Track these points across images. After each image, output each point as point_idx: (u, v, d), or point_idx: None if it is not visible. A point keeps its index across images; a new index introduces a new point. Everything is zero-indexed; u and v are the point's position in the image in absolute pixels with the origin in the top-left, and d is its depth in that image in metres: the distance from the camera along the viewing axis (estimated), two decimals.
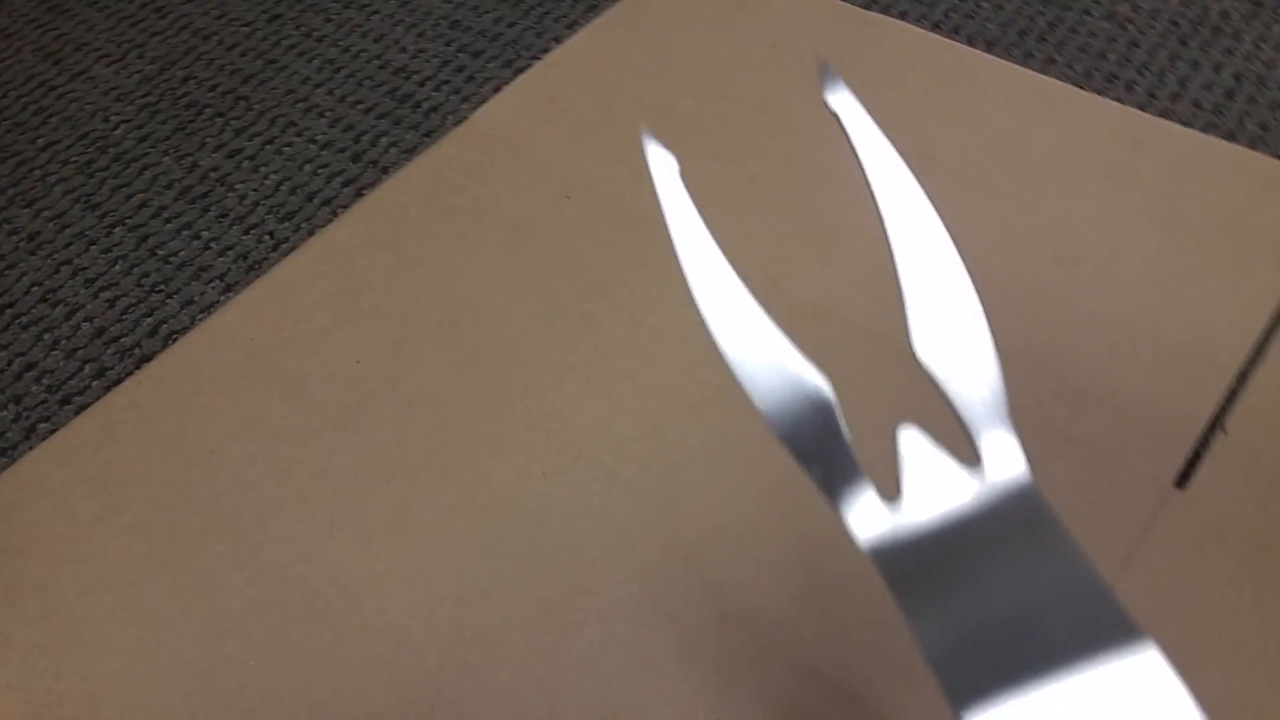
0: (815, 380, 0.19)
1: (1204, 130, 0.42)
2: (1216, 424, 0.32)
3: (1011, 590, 0.17)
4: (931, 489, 0.18)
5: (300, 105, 0.51)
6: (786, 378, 0.19)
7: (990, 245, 0.36)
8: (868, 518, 0.18)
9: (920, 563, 0.17)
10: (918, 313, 0.19)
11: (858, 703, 0.27)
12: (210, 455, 0.33)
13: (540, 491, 0.31)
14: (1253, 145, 0.49)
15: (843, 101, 0.21)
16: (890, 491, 0.17)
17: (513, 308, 0.36)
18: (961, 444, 0.18)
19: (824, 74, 0.22)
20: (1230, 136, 0.54)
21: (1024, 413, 0.29)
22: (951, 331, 0.19)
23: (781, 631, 0.28)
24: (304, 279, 0.38)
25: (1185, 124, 0.41)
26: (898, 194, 0.21)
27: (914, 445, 0.18)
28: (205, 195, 0.48)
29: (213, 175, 0.48)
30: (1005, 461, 0.18)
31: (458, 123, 0.43)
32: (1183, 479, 0.31)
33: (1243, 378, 0.32)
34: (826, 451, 0.18)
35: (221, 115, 0.52)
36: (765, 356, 0.19)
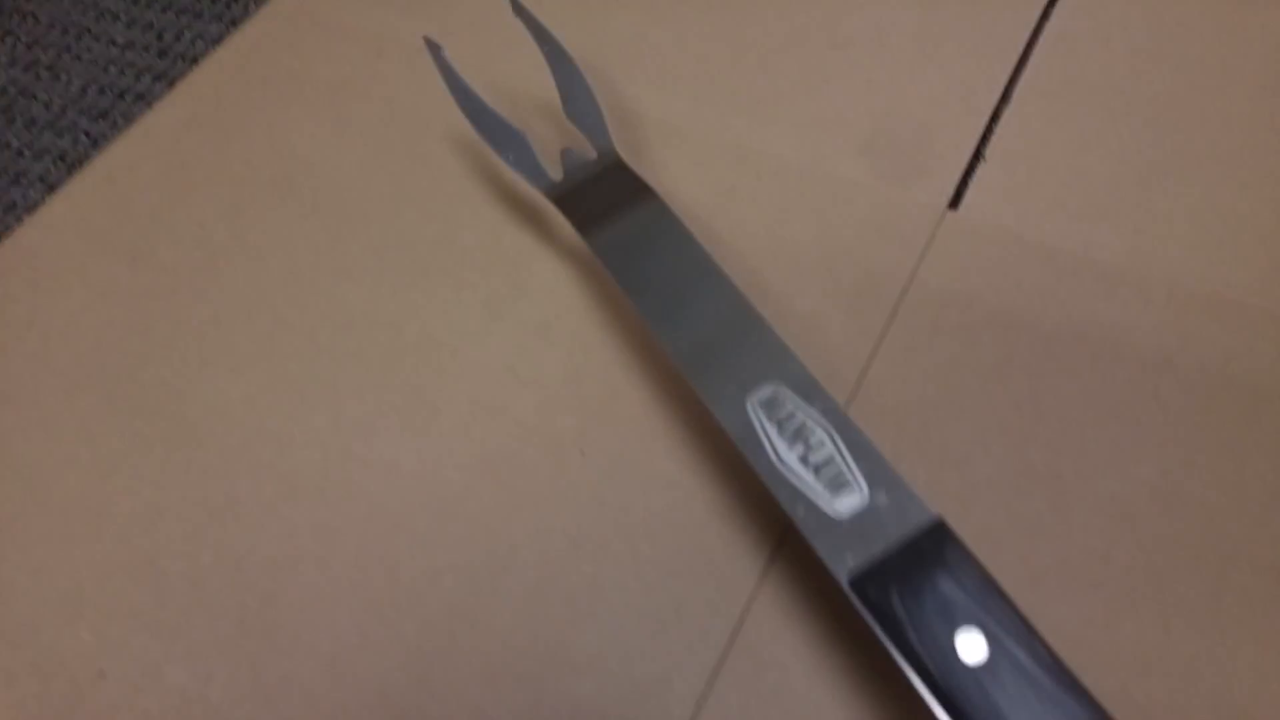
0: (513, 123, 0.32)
1: None
2: (978, 154, 0.36)
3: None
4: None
5: (91, 13, 0.50)
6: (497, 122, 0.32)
7: (779, 41, 0.40)
8: (544, 183, 0.31)
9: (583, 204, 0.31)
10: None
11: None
12: (66, 328, 0.34)
13: (393, 305, 0.34)
14: None
15: None
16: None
17: (343, 158, 0.38)
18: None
19: None
20: None
21: (811, 171, 0.33)
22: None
23: None
24: (131, 163, 0.39)
25: None
26: None
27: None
28: (7, 108, 0.47)
29: (11, 89, 0.48)
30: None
31: (260, 5, 0.44)
32: (955, 202, 0.35)
33: (995, 116, 0.37)
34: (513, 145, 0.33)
35: (11, 34, 0.51)
36: (490, 120, 0.33)
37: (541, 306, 0.33)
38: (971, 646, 0.22)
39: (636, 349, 0.32)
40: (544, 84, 0.34)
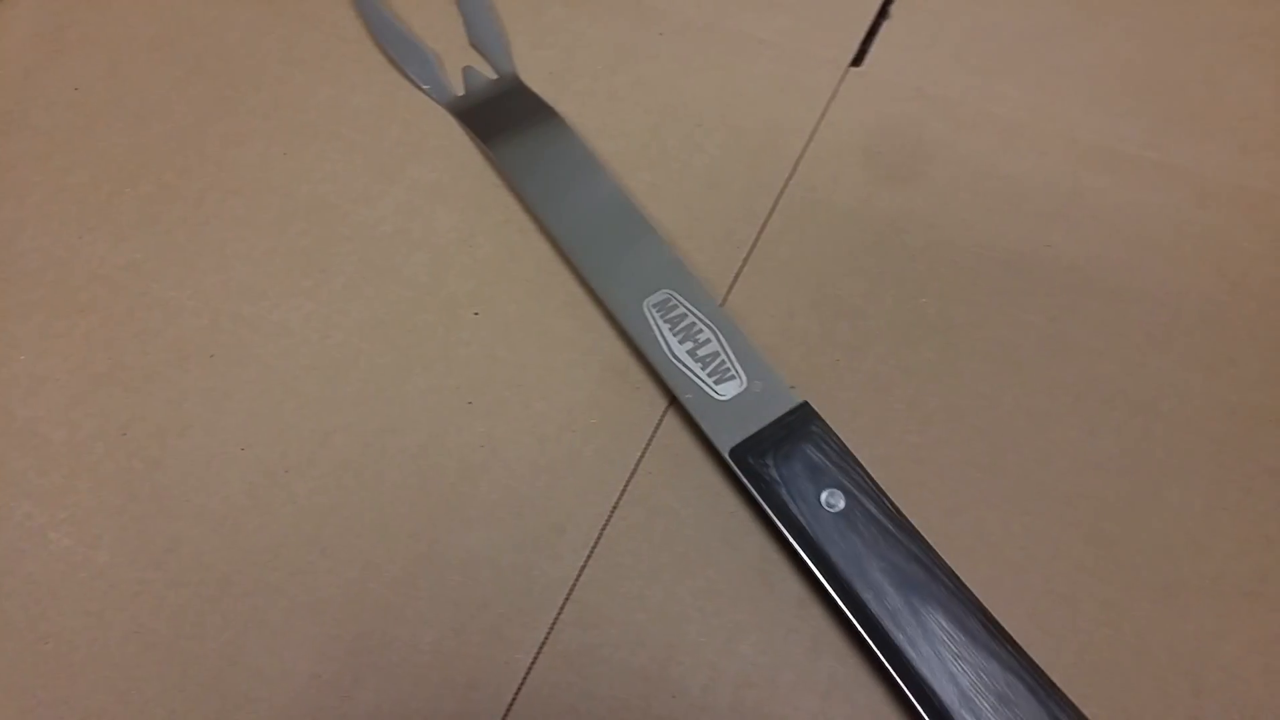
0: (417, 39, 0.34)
1: None
2: (883, 11, 0.36)
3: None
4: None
5: None
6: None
7: None
8: (445, 96, 0.32)
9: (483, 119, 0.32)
10: None
11: None
12: None
13: (282, 169, 0.33)
14: None
15: None
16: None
17: (230, 19, 0.37)
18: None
19: None
20: None
21: (714, 29, 0.32)
22: None
23: None
24: (2, 24, 0.37)
25: None
26: None
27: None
28: None
29: None
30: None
31: None
32: (858, 59, 0.35)
33: None
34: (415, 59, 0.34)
35: None
36: (393, 34, 0.35)
37: (434, 168, 0.33)
38: (832, 501, 0.25)
39: (531, 210, 0.31)
40: (448, 7, 0.34)
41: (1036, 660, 0.24)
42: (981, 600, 0.24)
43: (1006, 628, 0.24)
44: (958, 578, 0.25)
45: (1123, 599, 0.26)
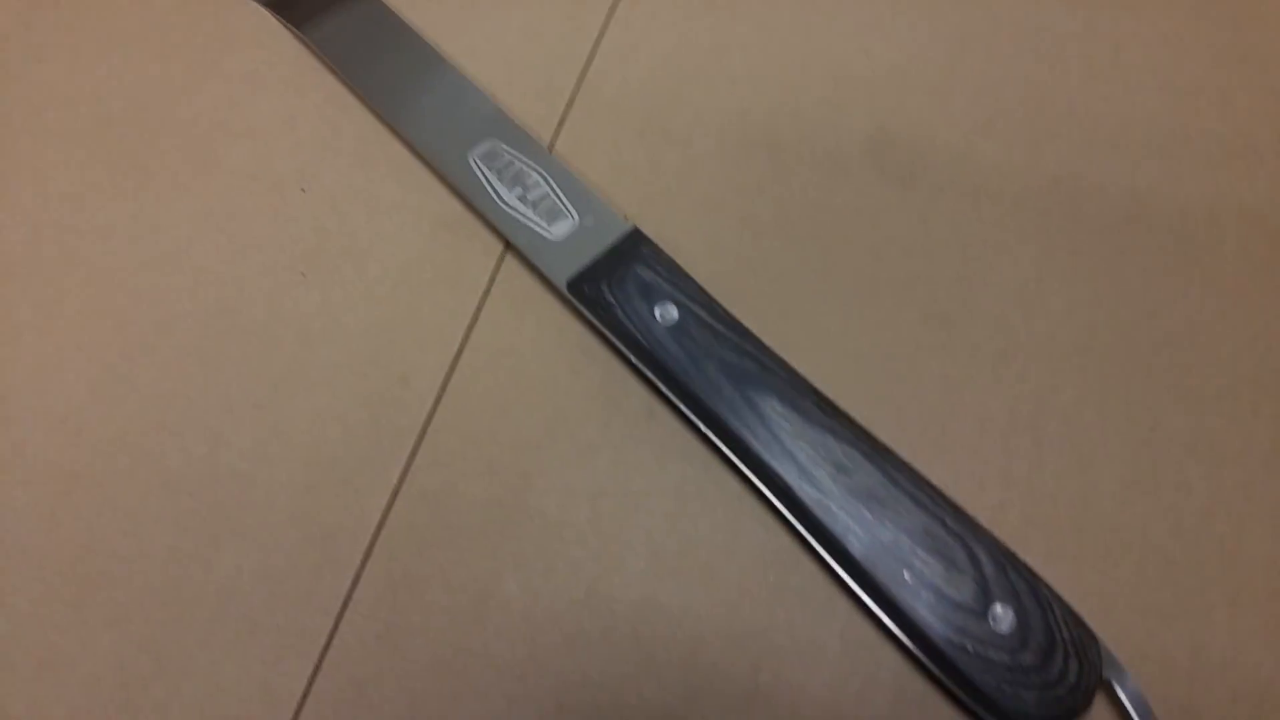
0: None
1: None
2: None
3: None
4: None
5: None
6: None
7: None
8: None
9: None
10: None
11: None
12: None
13: (91, 78, 0.32)
14: None
15: None
16: None
17: None
18: None
19: None
20: None
21: None
22: None
23: None
24: None
25: None
26: None
27: None
28: None
29: None
30: None
31: None
32: None
33: None
34: None
35: None
36: None
37: (249, 59, 0.32)
38: (666, 314, 0.26)
39: (350, 86, 0.31)
40: None
41: (882, 440, 0.24)
42: (825, 391, 0.25)
43: (851, 412, 0.25)
44: (790, 368, 0.26)
45: (961, 371, 0.27)
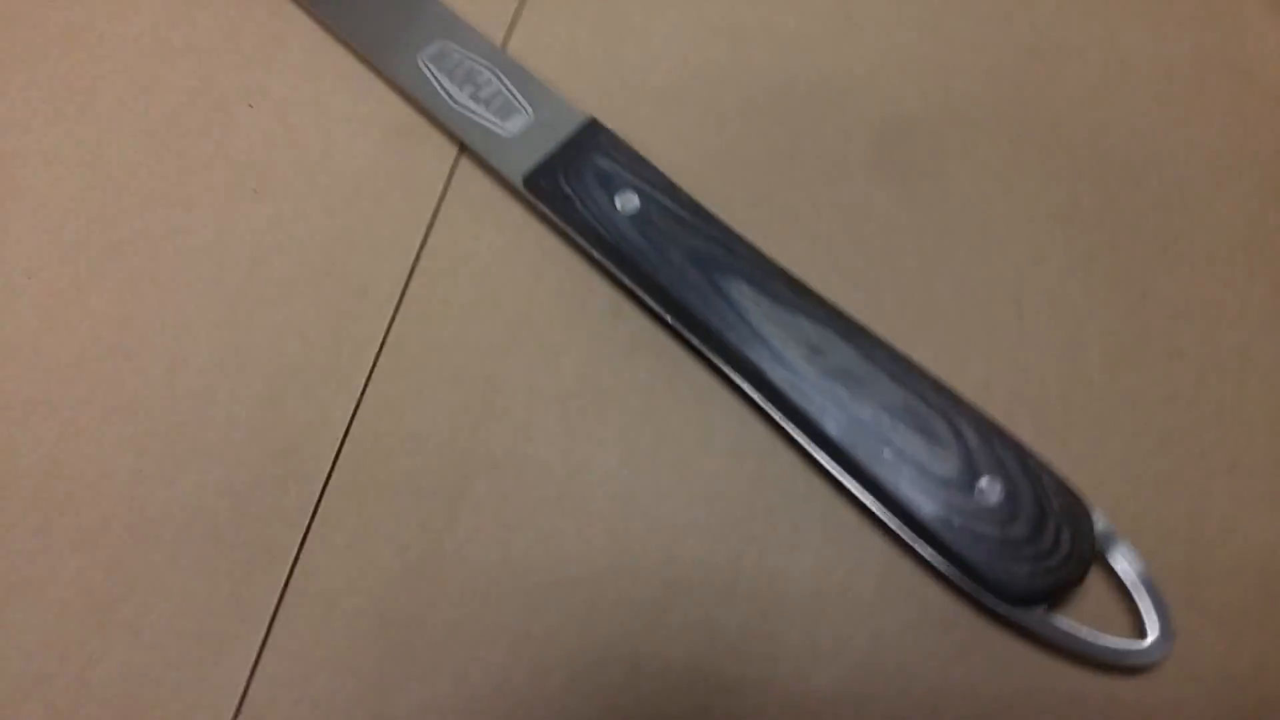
0: None
1: None
2: None
3: None
4: None
5: None
6: None
7: None
8: None
9: None
10: None
11: None
12: None
13: (27, 2, 0.31)
14: None
15: None
16: None
17: None
18: None
19: None
20: None
21: None
22: None
23: None
24: None
25: None
26: None
27: None
28: None
29: None
30: None
31: None
32: None
33: None
34: None
35: None
36: None
37: None
38: (627, 203, 0.25)
39: None
40: None
41: (859, 321, 0.23)
42: (798, 276, 0.24)
43: (825, 295, 0.24)
44: (758, 250, 0.24)
45: (940, 245, 0.26)
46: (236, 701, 0.22)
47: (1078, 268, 0.25)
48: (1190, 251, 0.25)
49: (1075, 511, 0.21)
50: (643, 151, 0.26)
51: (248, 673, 0.23)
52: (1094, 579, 0.22)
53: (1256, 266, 0.25)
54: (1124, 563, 0.22)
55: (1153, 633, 0.21)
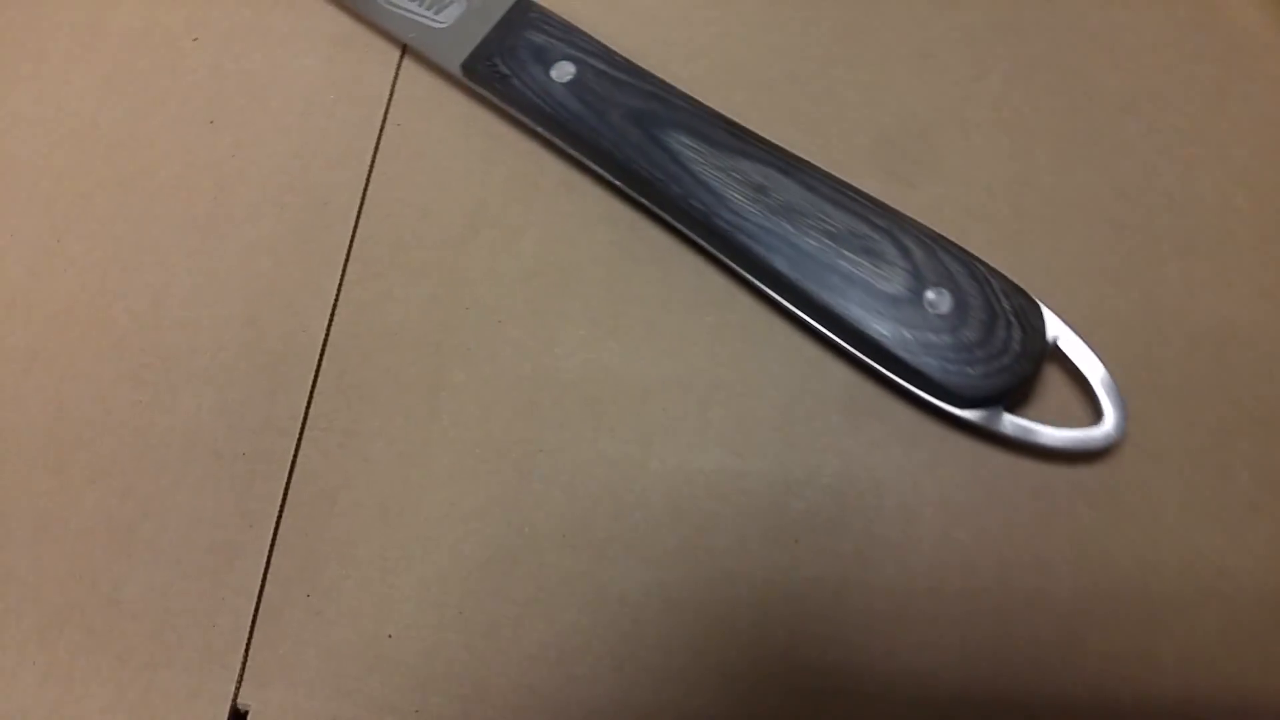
0: None
1: None
2: None
3: None
4: None
5: None
6: None
7: None
8: None
9: None
10: None
11: None
12: None
13: None
14: None
15: None
16: None
17: None
18: None
19: None
20: None
21: None
22: None
23: None
24: None
25: None
26: None
27: None
28: None
29: None
30: None
31: None
32: None
33: None
34: None
35: None
36: None
37: None
38: (562, 72, 0.25)
39: None
40: None
41: (807, 159, 0.24)
42: (744, 123, 0.24)
43: (773, 139, 0.24)
44: (696, 101, 0.25)
45: (878, 77, 0.26)
46: (254, 602, 0.24)
47: (1019, 76, 0.25)
48: (1133, 44, 0.25)
49: (1025, 311, 0.22)
50: (576, 20, 0.26)
51: (261, 574, 0.24)
52: (1052, 376, 0.22)
53: (1202, 49, 0.25)
54: (1077, 355, 0.22)
55: (1109, 416, 0.21)
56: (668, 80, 0.25)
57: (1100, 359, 0.22)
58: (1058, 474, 0.22)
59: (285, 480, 0.25)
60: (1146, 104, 0.24)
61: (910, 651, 0.21)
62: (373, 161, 0.27)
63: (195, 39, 0.29)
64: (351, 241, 0.26)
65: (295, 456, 0.25)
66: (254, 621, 0.23)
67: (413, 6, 0.27)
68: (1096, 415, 0.22)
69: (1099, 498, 0.22)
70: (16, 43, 0.30)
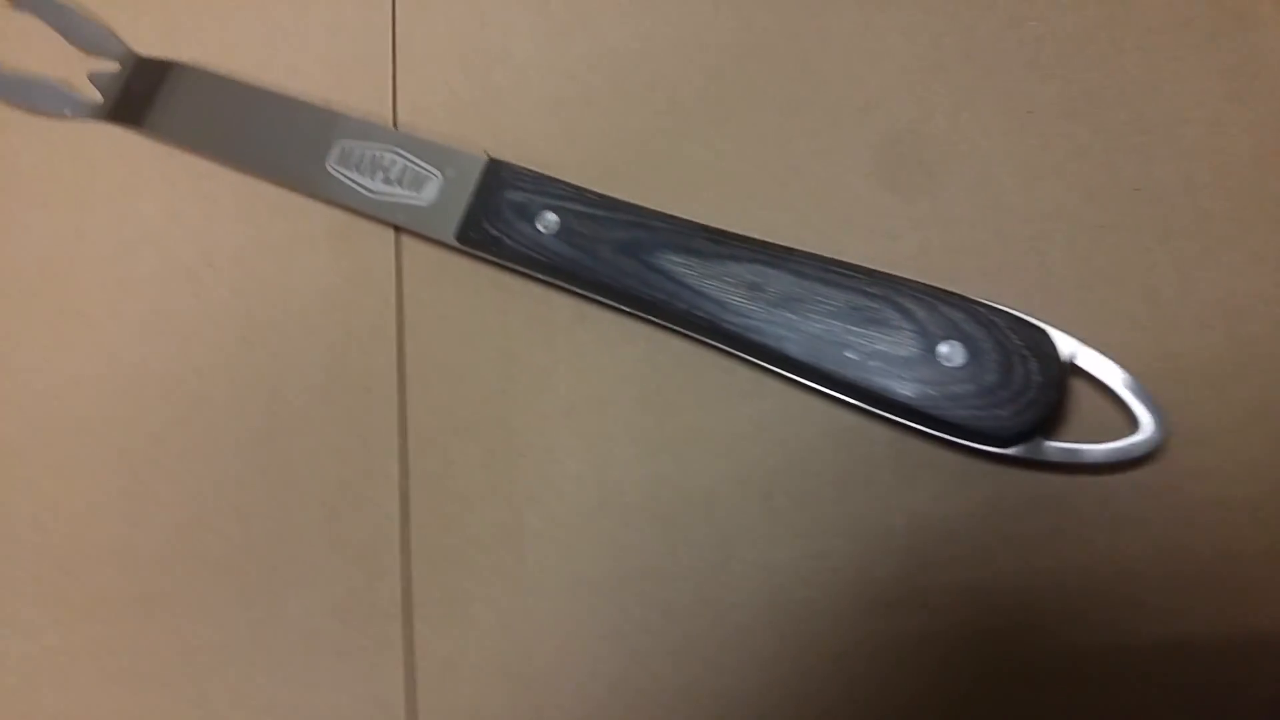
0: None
1: None
2: None
3: None
4: None
5: None
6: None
7: None
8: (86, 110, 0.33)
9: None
10: None
11: None
12: None
13: (72, 192, 0.34)
14: None
15: None
16: None
17: None
18: None
19: None
20: None
21: None
22: None
23: None
24: None
25: None
26: None
27: None
28: None
29: None
30: None
31: None
32: None
33: None
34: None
35: None
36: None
37: (114, 174, 0.33)
38: (548, 224, 0.27)
39: (207, 155, 0.32)
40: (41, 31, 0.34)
41: (782, 244, 0.25)
42: (717, 223, 0.26)
43: (746, 231, 0.25)
44: (672, 217, 0.26)
45: (829, 144, 0.27)
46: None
47: (964, 107, 0.26)
48: (1056, 51, 0.26)
49: (1035, 341, 0.23)
50: (547, 162, 0.28)
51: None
52: (1079, 388, 0.23)
53: (1119, 40, 0.25)
54: (1096, 367, 0.23)
55: (1145, 419, 0.22)
56: (640, 202, 0.26)
57: (1119, 363, 0.23)
58: (1117, 480, 0.23)
59: (405, 662, 0.27)
60: (1085, 105, 0.25)
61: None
62: (399, 338, 0.29)
63: (211, 266, 0.31)
64: (403, 419, 0.28)
65: (411, 638, 0.27)
66: None
67: (394, 190, 0.29)
68: (1130, 418, 0.23)
69: (1161, 493, 0.23)
70: (56, 308, 0.32)
